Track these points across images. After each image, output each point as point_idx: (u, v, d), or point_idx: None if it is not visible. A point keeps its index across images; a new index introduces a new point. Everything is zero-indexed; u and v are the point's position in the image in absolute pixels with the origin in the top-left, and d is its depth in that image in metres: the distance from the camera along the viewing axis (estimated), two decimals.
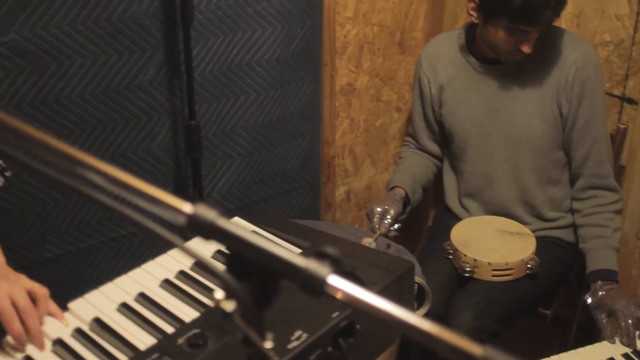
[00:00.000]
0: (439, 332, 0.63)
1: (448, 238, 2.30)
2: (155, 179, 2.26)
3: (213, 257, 1.45)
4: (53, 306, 1.27)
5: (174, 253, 1.44)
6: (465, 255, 2.21)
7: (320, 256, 0.70)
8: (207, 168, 2.35)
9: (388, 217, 2.27)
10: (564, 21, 2.41)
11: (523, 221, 2.37)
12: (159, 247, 1.48)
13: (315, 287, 0.68)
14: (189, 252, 0.70)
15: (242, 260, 0.71)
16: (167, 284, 1.35)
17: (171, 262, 1.41)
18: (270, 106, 2.44)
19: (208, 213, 0.70)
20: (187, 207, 0.70)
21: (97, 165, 0.75)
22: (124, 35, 2.06)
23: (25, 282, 1.23)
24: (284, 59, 2.41)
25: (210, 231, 0.70)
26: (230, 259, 0.72)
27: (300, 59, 2.46)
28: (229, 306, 0.69)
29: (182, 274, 1.38)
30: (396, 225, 2.30)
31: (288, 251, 0.68)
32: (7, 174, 1.42)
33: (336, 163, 2.79)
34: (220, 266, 0.71)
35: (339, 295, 0.67)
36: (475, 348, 0.61)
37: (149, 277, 1.37)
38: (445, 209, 2.57)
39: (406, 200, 2.41)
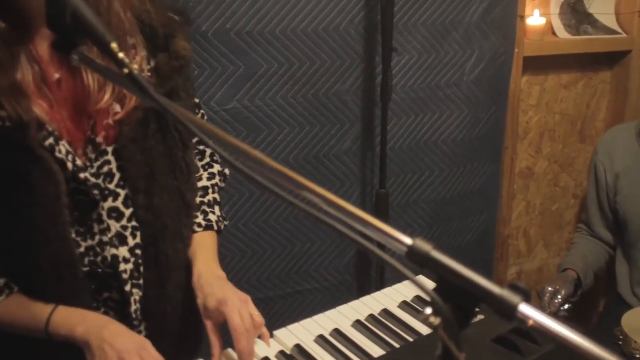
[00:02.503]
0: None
1: (619, 324, 2.33)
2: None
3: (412, 302, 1.62)
4: (264, 330, 1.47)
5: (365, 300, 1.63)
6: (635, 342, 2.23)
7: (513, 289, 0.85)
8: None
9: (559, 297, 2.34)
10: None
11: None
12: (336, 300, 1.66)
13: (508, 312, 0.83)
14: (417, 283, 0.87)
15: (449, 286, 0.88)
16: (358, 324, 1.54)
17: (362, 307, 1.61)
18: (453, 183, 2.61)
19: (424, 246, 0.88)
20: (407, 240, 0.89)
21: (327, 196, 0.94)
22: (327, 109, 2.33)
23: (251, 305, 1.46)
24: (468, 140, 2.59)
25: (425, 260, 0.87)
26: (439, 284, 0.89)
27: (483, 141, 2.63)
28: (436, 321, 0.86)
29: (372, 317, 1.57)
30: (566, 306, 2.35)
31: (487, 280, 0.84)
32: (222, 225, 1.65)
33: (510, 243, 2.89)
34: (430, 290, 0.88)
35: (529, 323, 0.82)
36: None
37: (343, 317, 1.57)
38: (616, 296, 2.59)
39: (578, 283, 2.46)
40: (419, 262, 0.90)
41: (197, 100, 1.59)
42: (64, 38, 1.14)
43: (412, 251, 0.91)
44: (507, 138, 2.71)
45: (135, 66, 1.01)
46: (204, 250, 1.53)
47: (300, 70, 2.23)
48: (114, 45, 1.01)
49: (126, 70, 0.99)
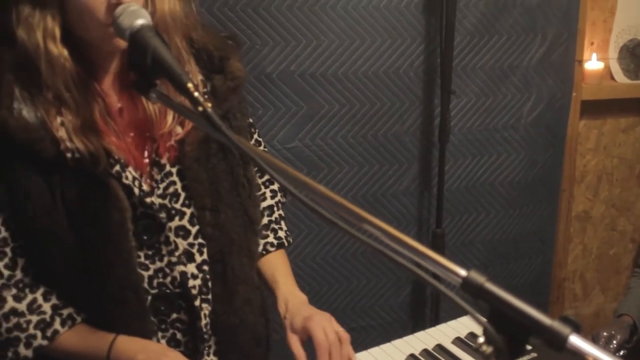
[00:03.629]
0: None
1: None
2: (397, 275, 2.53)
3: (466, 338, 1.66)
4: (350, 350, 1.51)
5: (420, 335, 1.68)
6: None
7: (564, 320, 0.89)
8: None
9: (614, 342, 2.32)
10: None
11: None
12: (390, 338, 1.71)
13: (558, 343, 0.87)
14: (470, 311, 0.92)
15: (501, 317, 0.92)
16: (412, 358, 1.59)
17: (416, 342, 1.66)
18: (509, 224, 2.63)
19: (478, 277, 0.92)
20: (462, 271, 0.93)
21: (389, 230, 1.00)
22: (386, 149, 2.39)
23: (334, 323, 1.51)
24: (525, 182, 2.61)
25: (479, 291, 0.92)
26: (492, 314, 0.93)
27: (540, 183, 2.65)
28: (488, 349, 0.90)
29: (425, 352, 1.61)
30: (621, 352, 2.33)
31: (538, 312, 0.88)
32: (290, 238, 1.74)
33: (566, 286, 2.89)
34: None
35: (586, 357, 0.86)
36: None
37: (397, 351, 1.62)
38: None
39: (633, 329, 2.44)
40: (473, 293, 0.94)
41: (250, 120, 1.66)
42: (143, 78, 1.23)
43: (466, 282, 0.95)
44: (564, 181, 2.73)
45: (209, 104, 1.08)
46: (283, 273, 1.60)
47: (360, 111, 2.31)
48: (190, 85, 1.10)
49: (200, 109, 1.07)
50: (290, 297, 1.54)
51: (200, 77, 1.45)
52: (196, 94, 1.09)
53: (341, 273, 2.47)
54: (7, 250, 1.35)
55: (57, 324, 1.38)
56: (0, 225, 1.33)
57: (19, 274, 1.36)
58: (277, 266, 1.62)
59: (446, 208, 2.48)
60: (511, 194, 2.61)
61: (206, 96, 1.45)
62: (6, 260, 1.35)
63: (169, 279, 1.42)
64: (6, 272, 1.35)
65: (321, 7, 2.18)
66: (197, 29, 1.47)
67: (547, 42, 2.50)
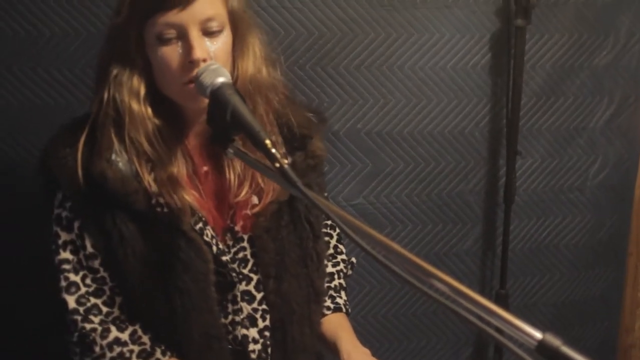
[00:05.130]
0: None
1: None
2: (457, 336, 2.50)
3: None
4: None
5: None
6: None
7: None
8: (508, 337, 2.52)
9: None
10: None
11: None
12: None
13: None
14: None
15: None
16: None
17: None
18: (573, 287, 2.59)
19: (554, 340, 0.92)
20: (537, 333, 0.93)
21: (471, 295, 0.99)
22: (450, 209, 2.39)
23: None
24: (590, 244, 2.57)
25: (555, 355, 0.91)
26: None
27: (606, 246, 2.60)
28: None
29: None
30: None
31: None
32: (349, 308, 1.74)
33: (633, 354, 2.80)
34: None
35: None
36: None
37: None
38: None
39: None
40: (548, 356, 0.94)
41: (325, 194, 1.70)
42: (222, 133, 1.28)
43: (542, 345, 0.94)
44: (631, 244, 2.67)
45: (285, 161, 1.12)
46: (343, 329, 1.62)
47: (425, 170, 2.32)
48: (268, 142, 1.14)
49: (277, 165, 1.11)
50: (353, 350, 1.55)
51: (283, 149, 1.50)
52: (273, 150, 1.12)
53: (401, 332, 2.45)
54: (106, 288, 1.42)
55: (158, 354, 1.42)
56: (99, 265, 1.40)
57: (116, 311, 1.43)
58: (338, 324, 1.64)
59: (510, 269, 2.46)
60: (576, 256, 2.56)
61: (283, 151, 1.50)
62: (105, 297, 1.42)
63: (231, 336, 1.46)
64: (105, 309, 1.42)
65: (389, 67, 2.21)
66: (280, 95, 1.52)
67: (614, 104, 2.48)
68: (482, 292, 2.49)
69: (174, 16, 1.29)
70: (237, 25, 1.40)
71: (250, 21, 1.45)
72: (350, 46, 2.17)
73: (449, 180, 2.36)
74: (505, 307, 2.36)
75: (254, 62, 1.43)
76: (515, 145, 2.29)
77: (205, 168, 1.46)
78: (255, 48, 1.44)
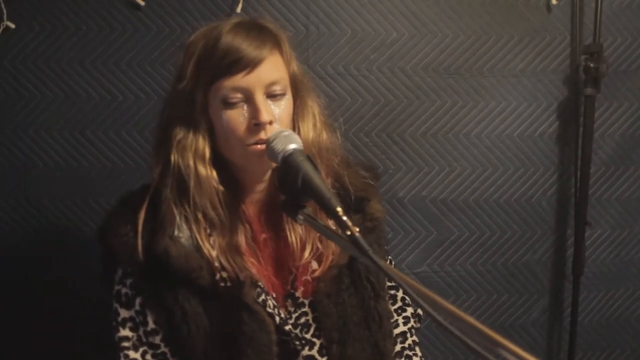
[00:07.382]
0: None
1: None
2: None
3: None
4: None
5: None
6: None
7: None
8: None
9: None
10: None
11: None
12: None
13: None
14: None
15: None
16: None
17: None
18: None
19: None
20: None
21: None
22: (516, 279, 2.33)
23: None
24: None
25: None
26: None
27: None
28: None
29: None
30: None
31: None
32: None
33: None
34: None
35: None
36: None
37: None
38: None
39: None
40: None
41: (390, 257, 1.68)
42: (293, 200, 1.28)
43: None
44: None
45: (357, 229, 1.11)
46: None
47: (491, 239, 2.28)
48: (339, 209, 1.13)
49: (348, 232, 1.10)
50: None
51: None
52: (345, 217, 1.12)
53: None
54: None
55: None
56: (160, 341, 1.40)
57: None
58: None
59: (578, 343, 2.38)
60: None
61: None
62: None
63: None
64: None
65: (455, 134, 2.20)
66: (338, 158, 1.52)
67: None
68: None
69: (240, 80, 1.31)
70: (298, 89, 1.42)
71: (310, 85, 1.47)
72: (416, 113, 2.18)
73: (515, 250, 2.31)
74: None
75: (314, 125, 1.44)
76: (584, 215, 2.23)
77: (264, 235, 1.46)
78: (315, 111, 1.46)
